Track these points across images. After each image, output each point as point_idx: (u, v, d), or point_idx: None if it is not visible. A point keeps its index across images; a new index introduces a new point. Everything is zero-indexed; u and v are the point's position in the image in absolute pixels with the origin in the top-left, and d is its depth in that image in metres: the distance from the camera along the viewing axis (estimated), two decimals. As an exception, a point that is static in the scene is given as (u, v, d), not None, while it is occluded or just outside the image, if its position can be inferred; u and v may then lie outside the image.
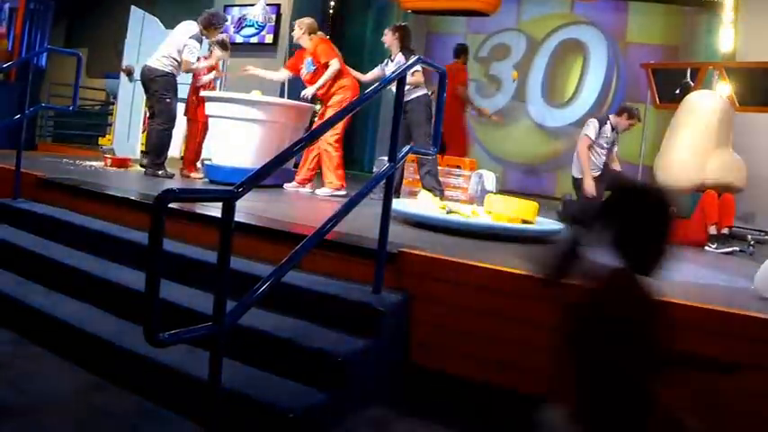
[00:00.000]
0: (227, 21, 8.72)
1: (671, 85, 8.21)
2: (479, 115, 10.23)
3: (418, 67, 6.58)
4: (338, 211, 3.44)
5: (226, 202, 2.65)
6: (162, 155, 7.31)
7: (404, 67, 3.95)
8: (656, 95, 8.43)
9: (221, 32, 7.80)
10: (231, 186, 2.70)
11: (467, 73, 9.56)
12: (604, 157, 6.99)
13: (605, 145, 6.96)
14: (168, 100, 7.23)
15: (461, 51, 9.53)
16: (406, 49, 7.10)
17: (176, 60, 7.23)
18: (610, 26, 11.56)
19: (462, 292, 3.61)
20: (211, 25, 7.47)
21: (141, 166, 7.94)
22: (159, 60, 7.24)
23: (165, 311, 2.54)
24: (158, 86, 7.22)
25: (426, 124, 6.92)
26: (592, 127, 6.94)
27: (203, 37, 7.44)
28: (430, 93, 7.13)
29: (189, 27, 7.34)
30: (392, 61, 7.19)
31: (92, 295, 4.14)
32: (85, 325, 3.75)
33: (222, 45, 7.85)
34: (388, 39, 7.21)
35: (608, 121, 6.96)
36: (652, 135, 9.20)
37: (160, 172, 7.24)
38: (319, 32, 7.39)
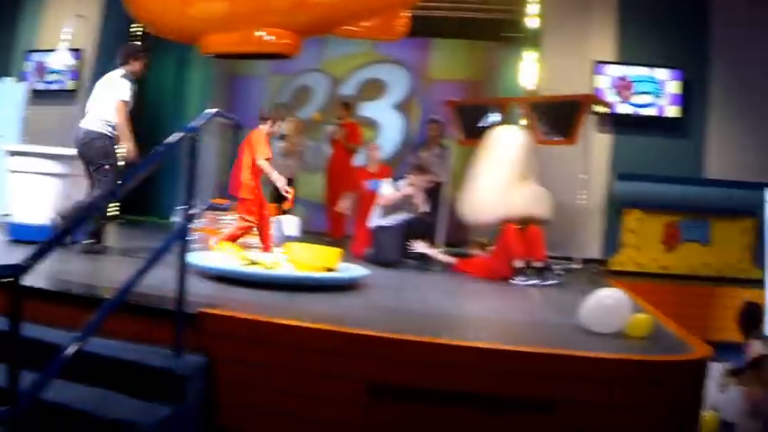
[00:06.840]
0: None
1: (474, 120, 8.51)
2: None
3: None
4: (138, 271, 3.34)
5: (10, 282, 2.50)
6: None
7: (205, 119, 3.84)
8: (461, 131, 8.73)
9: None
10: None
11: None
12: None
13: None
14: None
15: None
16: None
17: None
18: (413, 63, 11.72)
19: (264, 351, 3.61)
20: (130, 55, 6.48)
21: None
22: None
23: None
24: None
25: None
26: None
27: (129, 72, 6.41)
28: None
29: (113, 74, 6.40)
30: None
31: None
32: None
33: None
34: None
35: None
36: (458, 170, 8.95)
37: None
38: None
